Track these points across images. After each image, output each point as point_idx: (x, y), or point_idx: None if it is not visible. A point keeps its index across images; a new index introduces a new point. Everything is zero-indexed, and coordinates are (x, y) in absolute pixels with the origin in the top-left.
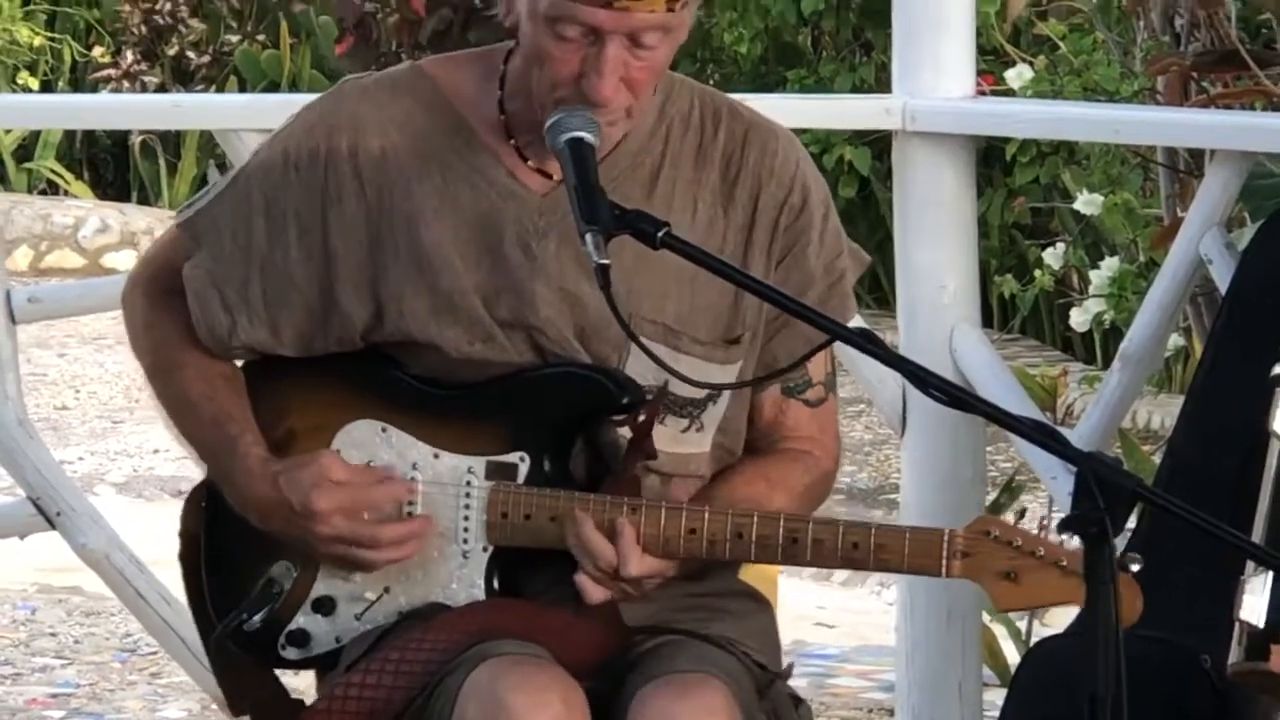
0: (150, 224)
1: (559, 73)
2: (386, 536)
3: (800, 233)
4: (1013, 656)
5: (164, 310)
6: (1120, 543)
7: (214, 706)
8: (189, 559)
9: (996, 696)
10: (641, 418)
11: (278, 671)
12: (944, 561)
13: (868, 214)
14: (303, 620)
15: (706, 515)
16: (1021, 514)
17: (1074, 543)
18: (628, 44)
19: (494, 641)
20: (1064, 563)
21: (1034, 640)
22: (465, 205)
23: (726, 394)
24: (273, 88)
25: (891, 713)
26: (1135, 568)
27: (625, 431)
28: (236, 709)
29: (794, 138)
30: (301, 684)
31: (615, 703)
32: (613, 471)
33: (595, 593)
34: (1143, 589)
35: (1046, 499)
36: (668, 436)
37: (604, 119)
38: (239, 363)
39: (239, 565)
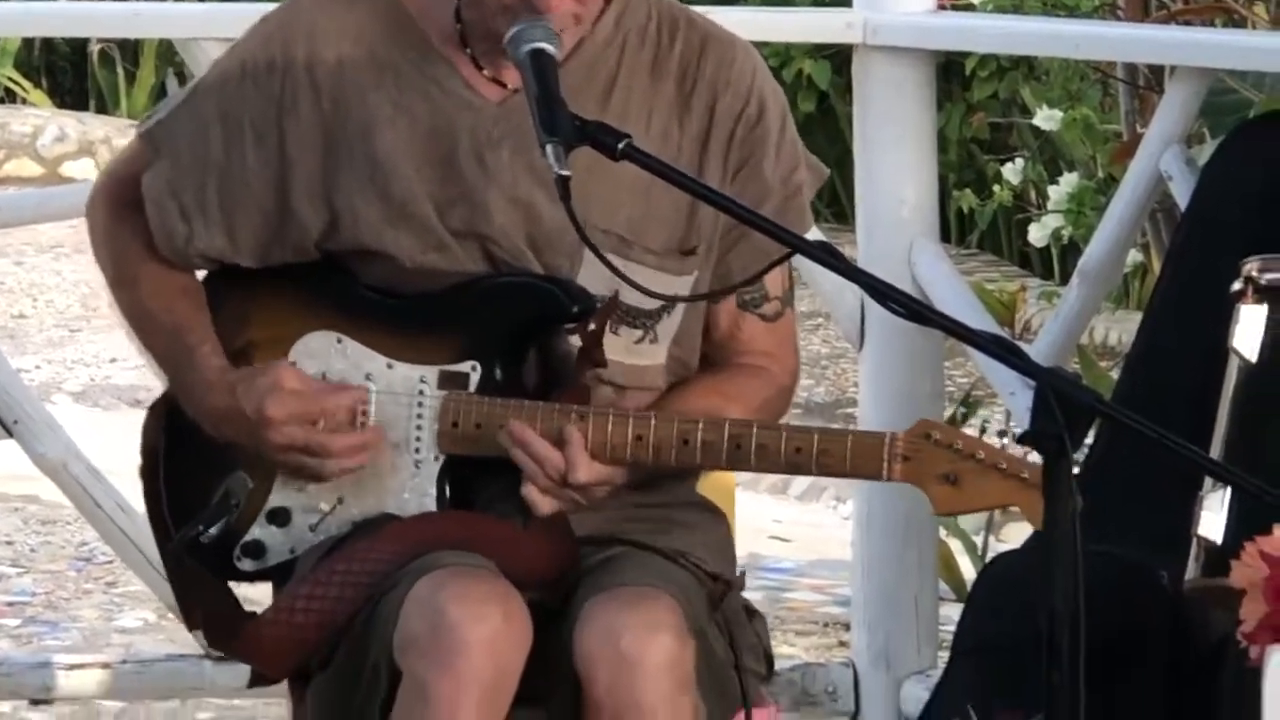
0: (108, 133)
1: None
2: (339, 445)
3: (757, 144)
4: (969, 572)
5: (124, 222)
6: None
7: (170, 616)
8: (148, 472)
9: (952, 611)
10: (592, 326)
11: (235, 584)
12: (885, 464)
13: (827, 128)
14: (258, 532)
15: (653, 422)
16: (982, 430)
17: (1018, 449)
18: None
19: (438, 553)
20: (1004, 465)
21: (990, 556)
22: (419, 114)
23: (681, 306)
24: None
25: (847, 627)
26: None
27: (577, 341)
28: (191, 621)
29: (751, 49)
30: (256, 594)
31: (563, 615)
32: (564, 381)
33: (544, 504)
34: (1101, 505)
35: (1004, 414)
36: (621, 347)
37: (554, 27)
38: (200, 276)
39: (197, 478)
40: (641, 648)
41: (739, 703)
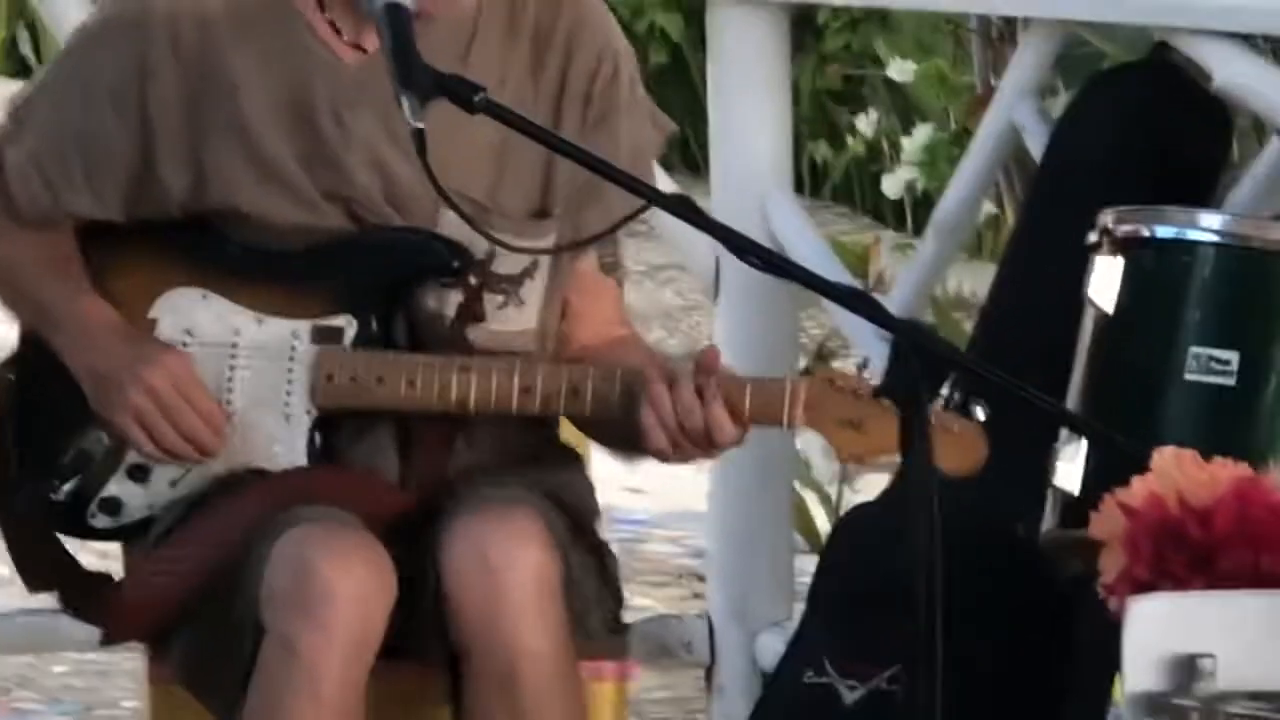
0: None
1: None
2: (187, 422)
3: (610, 102)
4: (824, 524)
5: None
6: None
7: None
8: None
9: (807, 563)
10: (473, 280)
11: (81, 542)
12: (786, 411)
13: (680, 81)
14: (115, 488)
15: (541, 371)
16: None
17: None
18: None
19: (303, 507)
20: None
21: (845, 507)
22: (281, 76)
23: (545, 271)
24: None
25: (702, 578)
26: (981, 414)
27: (458, 296)
28: (34, 584)
29: (604, 6)
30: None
31: (428, 563)
32: (439, 335)
33: (666, 449)
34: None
35: (856, 366)
36: (486, 312)
37: None
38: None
39: (50, 439)
40: (508, 560)
41: (596, 635)
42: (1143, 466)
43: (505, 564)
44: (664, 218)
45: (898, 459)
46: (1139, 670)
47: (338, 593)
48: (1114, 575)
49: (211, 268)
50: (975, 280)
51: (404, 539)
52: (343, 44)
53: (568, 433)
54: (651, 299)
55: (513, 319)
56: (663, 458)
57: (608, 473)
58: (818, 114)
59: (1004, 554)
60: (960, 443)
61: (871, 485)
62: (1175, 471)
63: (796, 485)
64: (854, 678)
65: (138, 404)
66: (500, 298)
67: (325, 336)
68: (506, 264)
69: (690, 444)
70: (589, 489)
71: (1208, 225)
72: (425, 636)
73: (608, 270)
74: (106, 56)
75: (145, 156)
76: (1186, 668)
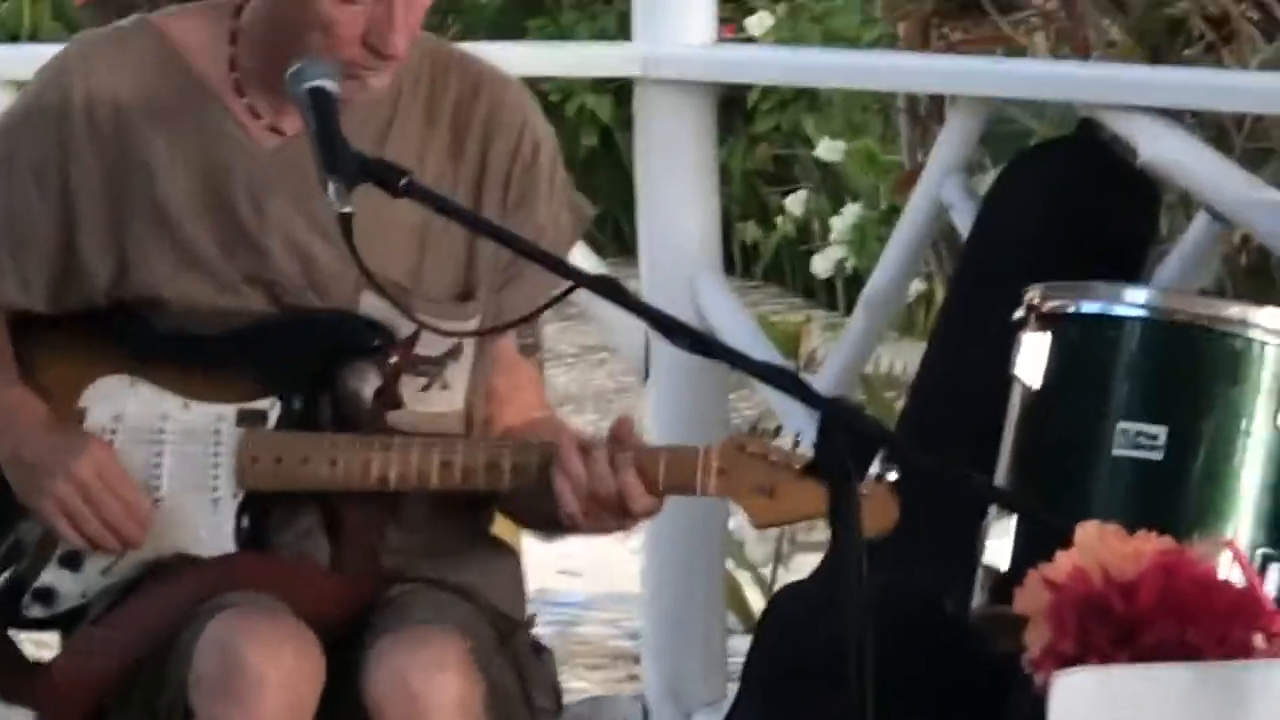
0: None
1: (347, 35)
2: (110, 512)
3: (530, 185)
4: (757, 604)
5: None
6: None
7: None
8: None
9: (741, 643)
10: (392, 359)
11: (17, 633)
12: (699, 477)
13: (610, 162)
14: (49, 577)
15: (460, 446)
16: (796, 443)
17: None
18: None
19: (231, 593)
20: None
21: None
22: (198, 161)
23: (470, 353)
24: (13, 39)
25: (637, 659)
26: (893, 476)
27: (375, 379)
28: None
29: (524, 89)
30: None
31: (358, 653)
32: (362, 416)
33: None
34: (892, 532)
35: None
36: (408, 395)
37: (382, 72)
38: None
39: None
40: (429, 687)
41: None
42: (1069, 541)
43: (426, 693)
44: (594, 300)
45: (811, 523)
46: None
47: (266, 678)
48: (1039, 650)
49: (138, 355)
50: (907, 357)
51: (334, 625)
52: (260, 127)
53: (500, 526)
54: (583, 381)
55: (437, 401)
56: (576, 526)
57: (543, 556)
58: (748, 194)
59: (933, 631)
60: (872, 505)
61: (805, 565)
62: (1099, 545)
63: (730, 566)
64: None
65: (62, 492)
66: (424, 380)
67: (250, 419)
68: (430, 346)
69: (604, 511)
70: (520, 585)
71: (1133, 300)
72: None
73: (527, 352)
74: (30, 139)
75: (69, 239)
76: None
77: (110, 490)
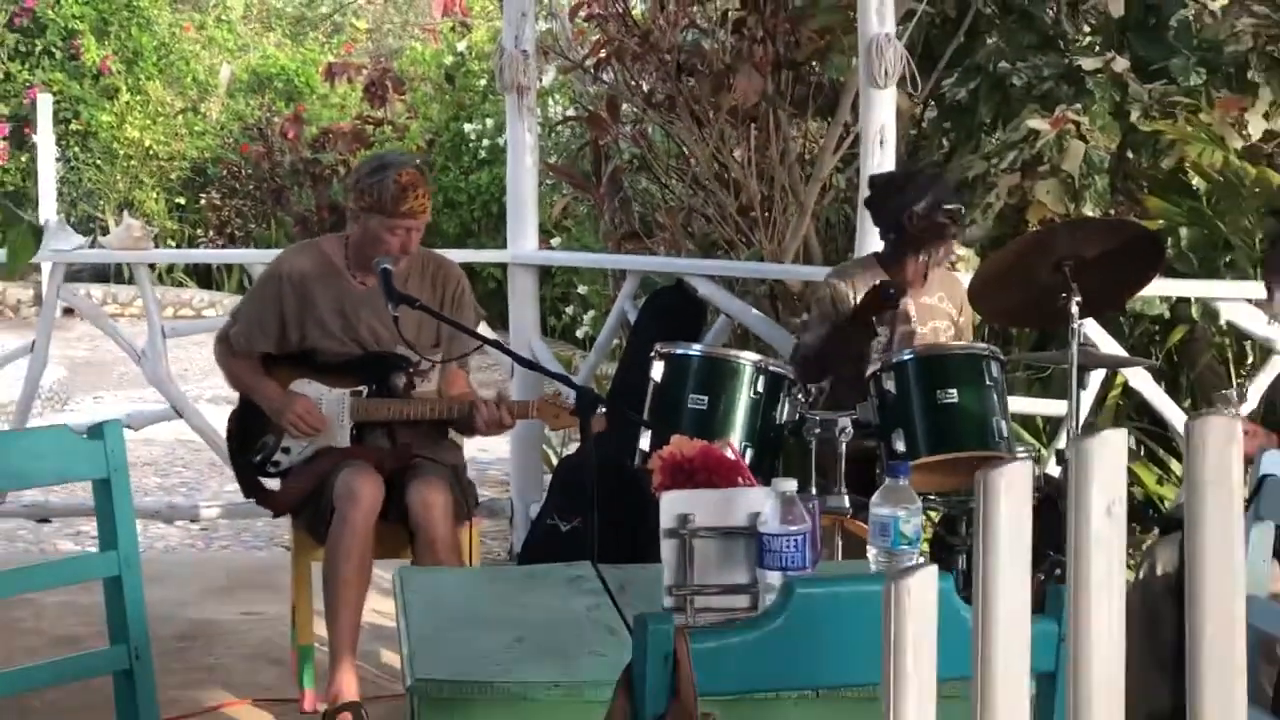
0: None
1: (390, 246)
2: (306, 426)
3: (460, 301)
4: (555, 461)
5: (227, 350)
6: None
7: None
8: (234, 435)
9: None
10: (411, 371)
11: (266, 479)
12: (531, 412)
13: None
14: (279, 455)
15: (436, 403)
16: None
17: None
18: (415, 226)
19: (348, 460)
20: (571, 409)
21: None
22: (334, 297)
23: (438, 369)
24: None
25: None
26: (601, 410)
27: (403, 380)
28: (247, 495)
29: (455, 263)
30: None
31: (400, 487)
32: (398, 393)
33: (487, 428)
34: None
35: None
36: (416, 385)
37: (405, 259)
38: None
39: (254, 437)
40: (433, 499)
41: (463, 515)
42: (669, 441)
43: (431, 500)
44: (490, 349)
45: (573, 430)
46: (666, 516)
47: (360, 494)
48: (658, 483)
49: (311, 369)
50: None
51: (389, 473)
52: (358, 283)
53: (452, 435)
54: (485, 379)
55: (426, 387)
56: (481, 433)
57: (469, 446)
58: None
59: (622, 474)
60: (564, 417)
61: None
62: (681, 443)
63: (545, 449)
64: (565, 520)
65: (289, 417)
66: (421, 379)
67: (356, 395)
68: (424, 365)
69: (492, 427)
70: (461, 458)
71: (692, 350)
72: (400, 520)
73: (461, 366)
74: (269, 287)
75: (281, 327)
76: (683, 519)
77: (308, 416)
